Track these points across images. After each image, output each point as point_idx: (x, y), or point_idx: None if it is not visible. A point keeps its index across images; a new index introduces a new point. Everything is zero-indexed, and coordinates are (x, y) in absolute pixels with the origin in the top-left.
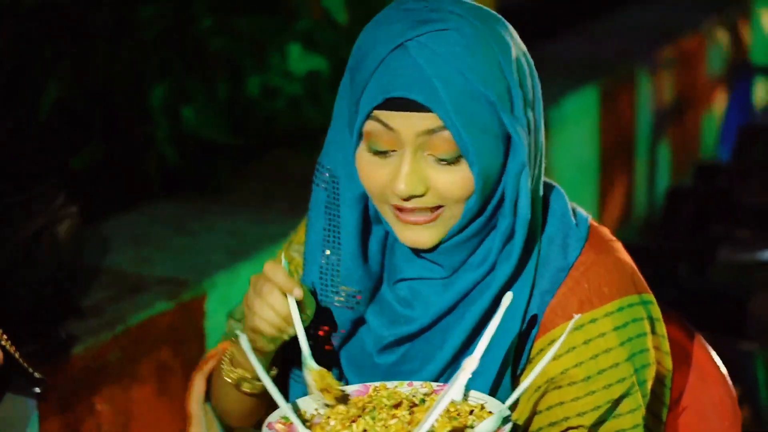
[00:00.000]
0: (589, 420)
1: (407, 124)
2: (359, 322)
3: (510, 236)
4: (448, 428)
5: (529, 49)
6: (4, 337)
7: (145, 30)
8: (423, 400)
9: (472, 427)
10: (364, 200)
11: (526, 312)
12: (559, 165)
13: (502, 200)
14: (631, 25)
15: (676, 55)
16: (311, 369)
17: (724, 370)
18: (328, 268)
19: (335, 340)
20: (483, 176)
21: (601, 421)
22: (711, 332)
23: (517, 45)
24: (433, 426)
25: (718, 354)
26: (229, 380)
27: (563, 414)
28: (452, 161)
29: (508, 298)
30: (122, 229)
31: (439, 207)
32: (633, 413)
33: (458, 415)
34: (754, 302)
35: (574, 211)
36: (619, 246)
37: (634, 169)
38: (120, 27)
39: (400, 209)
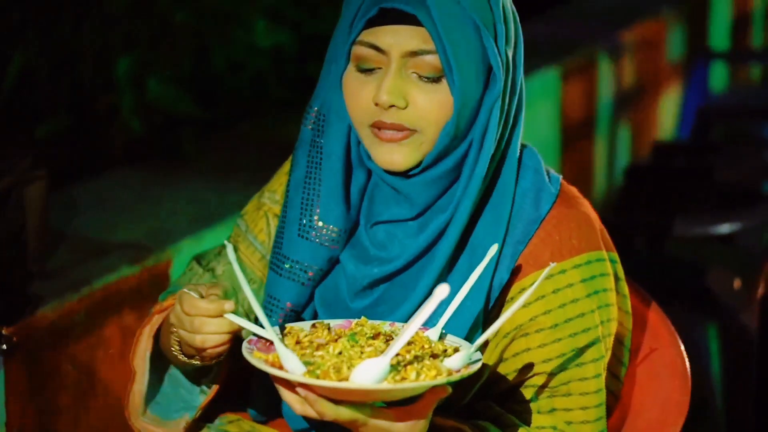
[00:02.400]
0: (553, 367)
1: (395, 42)
2: (335, 263)
3: (472, 171)
4: (416, 353)
5: None
6: None
7: (111, 1)
8: (396, 335)
9: (441, 360)
10: (348, 136)
11: (498, 261)
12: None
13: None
14: (593, 10)
15: (636, 39)
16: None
17: (675, 334)
18: (308, 204)
19: (310, 282)
20: (462, 99)
21: (564, 369)
22: (667, 304)
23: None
24: (401, 353)
25: (673, 324)
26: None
27: (529, 359)
28: (434, 80)
29: (493, 249)
30: (87, 195)
31: (414, 130)
32: (596, 362)
33: (432, 352)
34: (709, 276)
35: (546, 169)
36: (588, 204)
37: (594, 148)
38: None
39: (379, 127)
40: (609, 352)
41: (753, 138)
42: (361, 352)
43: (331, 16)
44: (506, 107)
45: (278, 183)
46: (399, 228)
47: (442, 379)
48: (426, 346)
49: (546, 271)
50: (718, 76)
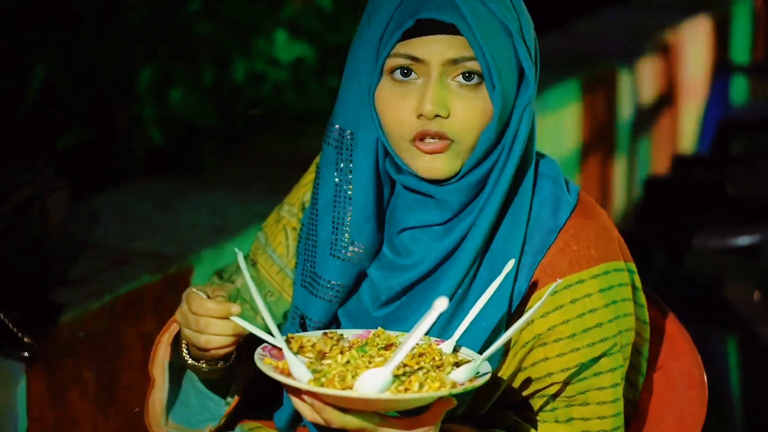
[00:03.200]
0: (571, 376)
1: (434, 51)
2: (362, 278)
3: (499, 176)
4: (424, 365)
5: None
6: None
7: (132, 13)
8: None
9: (449, 372)
10: (376, 153)
11: (517, 270)
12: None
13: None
14: (612, 23)
15: (656, 53)
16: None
17: (692, 344)
18: (339, 223)
19: (337, 299)
20: (502, 104)
21: (582, 378)
22: (685, 315)
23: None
24: (410, 364)
25: (691, 335)
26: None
27: (547, 369)
28: (473, 88)
29: (510, 264)
30: (107, 205)
31: (452, 141)
32: (613, 372)
33: (441, 364)
34: (727, 288)
35: (566, 180)
36: (605, 214)
37: (614, 160)
38: (107, 9)
39: (422, 138)
40: (627, 362)
41: None
42: (369, 362)
43: (351, 29)
44: (533, 110)
45: (296, 196)
46: (425, 233)
47: (444, 391)
48: (437, 357)
49: (552, 287)
50: (739, 90)
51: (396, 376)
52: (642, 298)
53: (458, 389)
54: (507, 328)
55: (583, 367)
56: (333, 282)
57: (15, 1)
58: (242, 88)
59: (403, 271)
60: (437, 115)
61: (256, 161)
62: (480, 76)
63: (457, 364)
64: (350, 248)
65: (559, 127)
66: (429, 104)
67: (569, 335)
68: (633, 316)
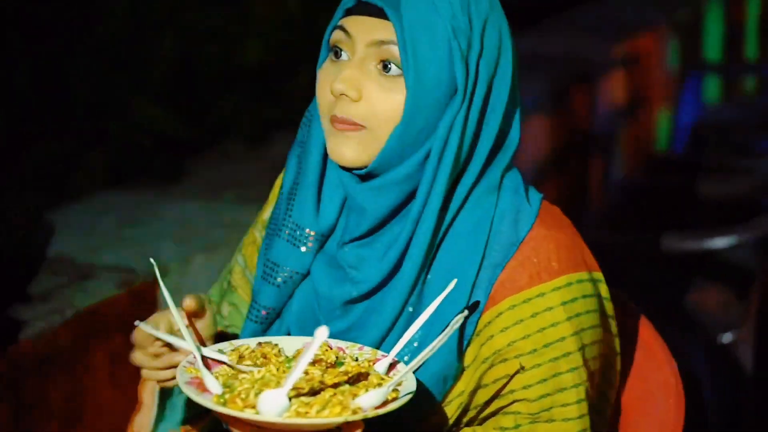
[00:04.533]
0: (534, 393)
1: (363, 30)
2: (305, 270)
3: (430, 188)
4: (337, 383)
5: None
6: None
7: (100, 25)
8: (341, 363)
9: (365, 391)
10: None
11: (474, 285)
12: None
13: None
14: (585, 23)
15: (631, 53)
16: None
17: (668, 352)
18: (290, 204)
19: (284, 285)
20: (414, 100)
21: (546, 395)
22: (659, 321)
23: (494, 11)
24: (323, 381)
25: (666, 341)
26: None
27: (509, 386)
28: (393, 77)
29: (452, 284)
30: (71, 219)
31: (363, 127)
32: (577, 387)
33: (356, 382)
34: (704, 292)
35: (527, 189)
36: (569, 224)
37: (589, 165)
38: (75, 21)
39: (332, 121)
40: (595, 377)
41: (747, 151)
42: (282, 373)
43: (321, 34)
44: (474, 125)
45: (264, 212)
46: (367, 249)
47: (341, 418)
48: (362, 378)
49: (457, 318)
50: (712, 90)
51: (301, 396)
52: (610, 308)
53: (359, 416)
54: (460, 345)
55: (546, 383)
56: (276, 263)
57: None
58: (211, 96)
59: (350, 285)
60: (344, 95)
61: (225, 170)
62: (400, 67)
63: (379, 384)
64: (294, 231)
65: (532, 130)
66: (338, 82)
67: (530, 351)
68: (599, 328)
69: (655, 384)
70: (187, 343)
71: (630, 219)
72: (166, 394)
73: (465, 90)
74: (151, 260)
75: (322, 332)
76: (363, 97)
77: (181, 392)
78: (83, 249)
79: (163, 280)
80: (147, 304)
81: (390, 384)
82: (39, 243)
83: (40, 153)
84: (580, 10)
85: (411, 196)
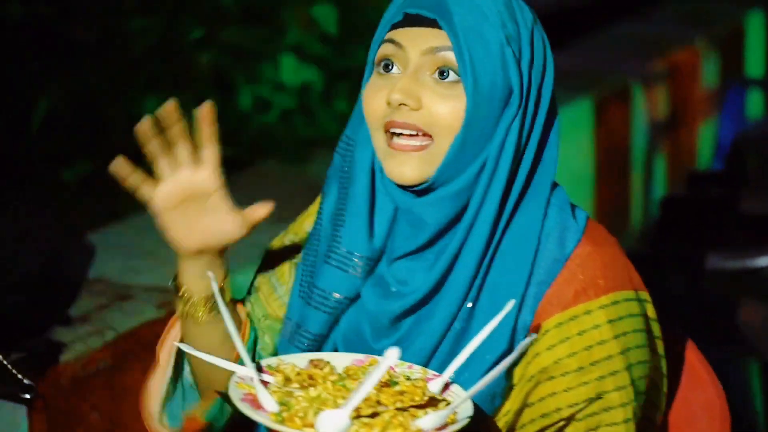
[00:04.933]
0: (580, 412)
1: (415, 40)
2: (356, 294)
3: (484, 195)
4: (400, 405)
5: None
6: None
7: (133, 43)
8: (394, 382)
9: (425, 413)
10: (372, 160)
11: (521, 302)
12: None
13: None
14: (624, 40)
15: (669, 69)
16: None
17: (713, 373)
18: (336, 230)
19: (333, 311)
20: (474, 107)
21: (592, 414)
22: (703, 339)
23: (537, 23)
24: (385, 402)
25: (710, 361)
26: (181, 310)
27: (555, 405)
28: (449, 84)
29: (510, 304)
30: (110, 240)
31: (427, 136)
32: (624, 407)
33: (411, 403)
34: (747, 309)
35: (572, 207)
36: (615, 242)
37: (630, 180)
38: (108, 40)
39: (390, 129)
40: (641, 396)
41: None
42: (343, 397)
43: (356, 53)
44: (527, 132)
45: (301, 226)
46: (417, 261)
47: None
48: (417, 398)
49: (526, 341)
50: (755, 104)
51: (360, 417)
52: (657, 329)
53: None
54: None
55: (592, 402)
56: (327, 291)
57: (17, 33)
58: (248, 114)
59: (396, 300)
60: (403, 104)
61: (262, 190)
62: (457, 73)
63: (437, 405)
64: (347, 259)
65: (572, 147)
66: (396, 92)
67: (577, 368)
68: (646, 348)
69: (700, 405)
70: (244, 358)
71: (671, 235)
72: (181, 357)
73: (521, 95)
74: (210, 273)
75: (393, 353)
76: (423, 106)
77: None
78: (122, 270)
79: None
80: None
81: (451, 407)
82: (78, 264)
83: (78, 173)
84: (619, 26)
85: (466, 205)
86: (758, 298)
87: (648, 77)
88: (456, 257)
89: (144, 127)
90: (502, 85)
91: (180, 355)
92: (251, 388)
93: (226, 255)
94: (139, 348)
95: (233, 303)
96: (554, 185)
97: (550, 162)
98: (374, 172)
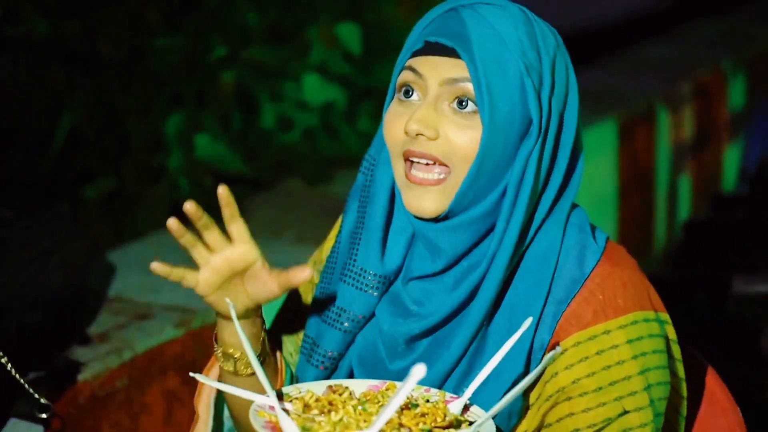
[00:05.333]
0: None
1: (435, 69)
2: (371, 312)
3: (506, 225)
4: (423, 427)
5: None
6: (8, 362)
7: (158, 61)
8: (415, 405)
9: None
10: (393, 179)
11: (539, 321)
12: (576, 197)
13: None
14: (648, 61)
15: (695, 90)
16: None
17: (733, 400)
18: (353, 248)
19: (349, 329)
20: (490, 139)
21: None
22: (727, 363)
23: (559, 44)
24: (407, 424)
25: (734, 385)
26: (219, 362)
27: (573, 426)
28: (468, 114)
29: (527, 322)
30: (131, 257)
31: (446, 166)
32: (643, 428)
33: (433, 424)
34: None
35: (592, 227)
36: (635, 263)
37: (654, 202)
38: (133, 57)
39: (411, 160)
40: (660, 419)
41: None
42: (365, 421)
43: (380, 72)
44: (548, 160)
45: (321, 251)
46: (434, 283)
47: None
48: (439, 419)
49: (551, 355)
50: None
51: None
52: (677, 352)
53: None
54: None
55: (611, 423)
56: (343, 308)
57: (41, 50)
58: (271, 133)
59: (413, 321)
60: (421, 134)
61: (285, 207)
62: (475, 103)
63: (459, 426)
64: (360, 276)
65: (597, 168)
66: (413, 122)
67: (595, 389)
68: (666, 369)
69: None
70: (264, 384)
71: (695, 258)
72: (221, 404)
73: (540, 126)
74: (228, 300)
75: (419, 370)
76: (441, 135)
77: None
78: (142, 288)
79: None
80: (205, 345)
81: (475, 426)
82: (99, 282)
83: (100, 190)
84: (645, 47)
85: (486, 232)
86: None
87: (673, 98)
88: (479, 284)
89: (174, 225)
90: (520, 115)
91: (218, 405)
92: (272, 416)
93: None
94: (157, 367)
95: (272, 349)
96: (574, 205)
97: (574, 186)
98: (394, 191)
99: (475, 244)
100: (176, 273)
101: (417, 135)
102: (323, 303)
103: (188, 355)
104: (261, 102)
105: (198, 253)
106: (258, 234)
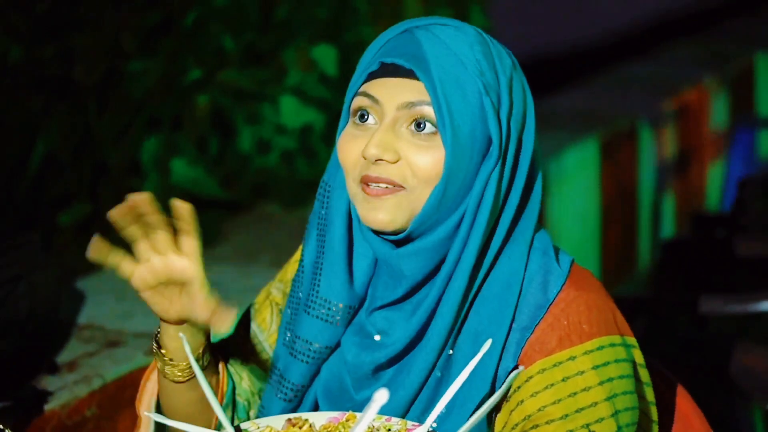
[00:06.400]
0: None
1: (391, 93)
2: (336, 343)
3: (464, 245)
4: None
5: None
6: None
7: (133, 84)
8: None
9: None
10: (348, 206)
11: (503, 348)
12: (559, 217)
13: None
14: (631, 80)
15: (678, 108)
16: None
17: (705, 422)
18: (316, 280)
19: (313, 361)
20: (454, 160)
21: None
22: (706, 384)
23: (515, 64)
24: None
25: (712, 406)
26: (159, 367)
27: None
28: (427, 136)
29: (487, 344)
30: (104, 283)
31: (402, 188)
32: None
33: None
34: (752, 355)
35: (556, 250)
36: (600, 287)
37: (637, 221)
38: (108, 81)
39: (367, 182)
40: None
41: None
42: None
43: None
44: (507, 182)
45: (286, 273)
46: (396, 312)
47: None
48: None
49: (513, 374)
50: (766, 144)
51: None
52: (645, 376)
53: None
54: (492, 408)
55: None
56: (308, 341)
57: (15, 74)
58: (248, 156)
59: (377, 350)
60: (380, 159)
61: (261, 232)
62: (435, 125)
63: None
64: (324, 307)
65: (579, 187)
66: (372, 147)
67: (561, 416)
68: (633, 394)
69: None
70: (220, 419)
71: (677, 277)
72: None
73: (500, 146)
74: (181, 335)
75: (382, 395)
76: (401, 158)
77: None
78: (114, 315)
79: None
80: None
81: None
82: (70, 309)
83: (75, 215)
84: (628, 66)
85: (445, 256)
86: (762, 342)
87: (656, 117)
88: (434, 309)
89: (120, 211)
90: (481, 135)
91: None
92: None
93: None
94: (127, 396)
95: (214, 359)
96: (538, 228)
97: (533, 209)
98: (351, 218)
99: (436, 269)
100: (113, 258)
101: (377, 160)
102: (289, 335)
103: None
104: (238, 125)
105: (142, 246)
106: (234, 258)
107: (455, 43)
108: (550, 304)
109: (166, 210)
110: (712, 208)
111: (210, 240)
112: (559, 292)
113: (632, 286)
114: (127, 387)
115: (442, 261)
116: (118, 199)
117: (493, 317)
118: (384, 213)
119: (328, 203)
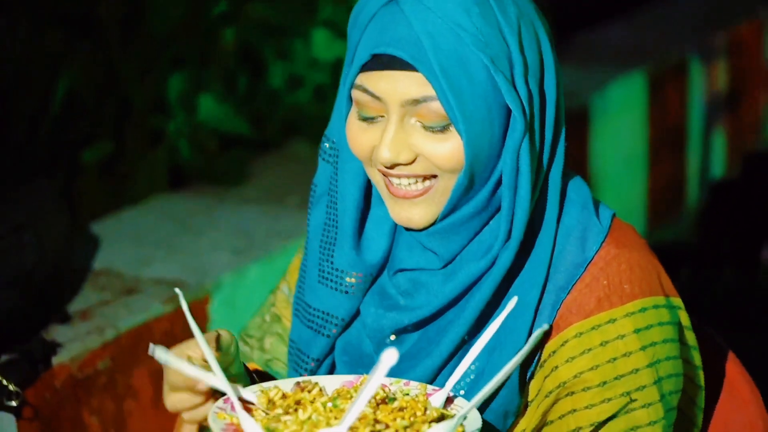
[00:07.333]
0: (604, 431)
1: (392, 89)
2: (355, 312)
3: (511, 220)
4: (397, 421)
5: (573, 37)
6: None
7: (157, 19)
8: (392, 399)
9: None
10: (363, 175)
11: (537, 310)
12: (603, 157)
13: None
14: (681, 12)
15: (730, 42)
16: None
17: (756, 391)
18: (327, 247)
19: (332, 333)
20: (473, 147)
21: None
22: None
23: (521, 8)
24: (383, 420)
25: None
26: None
27: (575, 424)
28: (441, 129)
29: (512, 302)
30: (123, 227)
31: (432, 177)
32: (653, 426)
33: (413, 419)
34: None
35: (596, 203)
36: (644, 244)
37: (686, 161)
38: (131, 18)
39: (389, 179)
40: (672, 414)
41: None
42: (336, 418)
43: None
44: (539, 144)
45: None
46: (424, 275)
47: None
48: (419, 413)
49: (538, 332)
50: None
51: None
52: (692, 339)
53: None
54: (522, 375)
55: (617, 420)
56: (322, 312)
57: (35, 10)
58: (280, 92)
59: (404, 310)
60: (398, 164)
61: (290, 172)
62: (445, 117)
63: (444, 418)
64: (341, 278)
65: (624, 126)
66: (386, 151)
67: (599, 383)
68: (678, 360)
69: (739, 426)
70: (219, 382)
71: (723, 223)
72: None
73: (524, 114)
74: (177, 290)
75: (390, 356)
76: (418, 154)
77: None
78: (131, 261)
79: (215, 295)
80: (195, 320)
81: (458, 417)
82: (84, 255)
83: (98, 155)
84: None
85: (482, 226)
86: None
87: (707, 51)
88: (478, 279)
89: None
90: (497, 111)
91: None
92: (232, 417)
93: None
94: (142, 347)
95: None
96: (569, 177)
97: (560, 156)
98: (366, 182)
99: (471, 238)
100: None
101: (395, 166)
102: (303, 305)
103: (177, 334)
104: (267, 61)
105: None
106: (261, 199)
107: (449, 12)
108: (588, 263)
109: (196, 150)
110: (764, 148)
111: (237, 181)
112: (598, 249)
113: (678, 230)
114: (142, 338)
115: (478, 231)
116: (142, 138)
117: (524, 276)
118: (417, 215)
119: (339, 169)
